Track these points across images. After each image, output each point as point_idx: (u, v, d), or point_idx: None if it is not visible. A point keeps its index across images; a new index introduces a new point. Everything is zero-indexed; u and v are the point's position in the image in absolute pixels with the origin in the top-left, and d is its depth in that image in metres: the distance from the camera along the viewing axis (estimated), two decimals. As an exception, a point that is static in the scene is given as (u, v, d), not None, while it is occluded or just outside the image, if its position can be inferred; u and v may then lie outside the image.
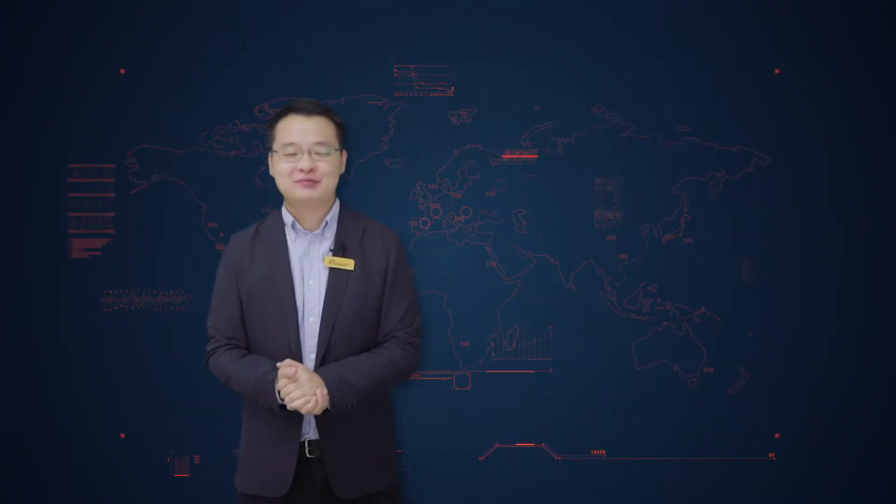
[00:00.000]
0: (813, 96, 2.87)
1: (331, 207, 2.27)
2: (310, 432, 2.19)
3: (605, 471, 2.87)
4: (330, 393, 2.11)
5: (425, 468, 2.84)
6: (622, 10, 2.87)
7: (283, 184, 2.21)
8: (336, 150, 2.23)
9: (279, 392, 2.12)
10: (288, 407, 2.10)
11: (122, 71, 2.87)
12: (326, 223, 2.25)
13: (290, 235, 2.25)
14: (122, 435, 2.87)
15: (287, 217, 2.25)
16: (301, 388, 2.09)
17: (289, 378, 2.09)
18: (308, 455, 2.19)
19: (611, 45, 2.87)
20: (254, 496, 2.22)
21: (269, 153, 2.26)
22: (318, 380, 2.11)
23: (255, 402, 2.18)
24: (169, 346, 2.86)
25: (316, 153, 2.19)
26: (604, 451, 2.87)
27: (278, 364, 2.11)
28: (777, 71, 2.87)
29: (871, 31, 2.86)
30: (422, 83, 2.86)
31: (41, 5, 2.86)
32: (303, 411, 2.10)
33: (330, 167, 2.21)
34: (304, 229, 2.24)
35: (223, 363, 2.22)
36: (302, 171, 2.17)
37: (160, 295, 2.86)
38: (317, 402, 2.09)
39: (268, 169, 2.29)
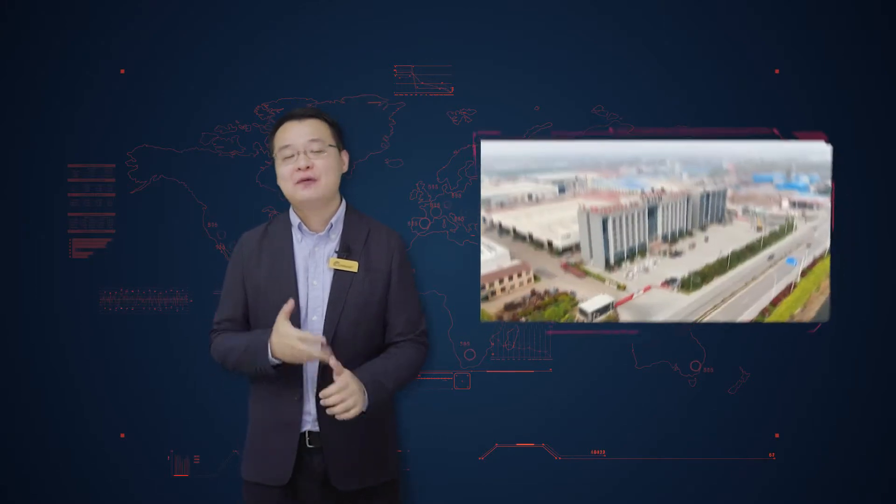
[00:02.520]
0: (813, 96, 2.87)
1: (336, 209, 2.31)
2: (310, 424, 2.22)
3: (605, 471, 2.87)
4: (370, 398, 2.17)
5: (425, 468, 2.85)
6: (622, 9, 2.87)
7: (286, 188, 2.27)
8: (332, 146, 2.28)
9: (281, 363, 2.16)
10: (327, 412, 2.12)
11: (122, 71, 2.87)
12: (332, 225, 2.29)
13: (296, 236, 2.30)
14: (122, 435, 2.87)
15: (294, 219, 2.31)
16: (353, 395, 2.12)
17: (286, 314, 2.11)
18: (308, 445, 2.21)
19: (611, 45, 2.87)
20: (257, 484, 2.27)
21: (274, 164, 2.31)
22: (359, 388, 2.14)
23: (249, 368, 2.20)
24: (169, 346, 2.86)
25: (311, 151, 2.24)
26: (604, 451, 2.87)
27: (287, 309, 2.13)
28: (777, 71, 2.87)
29: (870, 32, 2.86)
30: (422, 83, 2.86)
31: (41, 5, 2.86)
32: (339, 416, 2.13)
33: (326, 164, 2.25)
34: (310, 231, 2.29)
35: (220, 341, 2.29)
36: (299, 169, 2.22)
37: (160, 295, 2.87)
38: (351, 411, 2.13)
39: (268, 169, 2.32)
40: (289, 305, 2.13)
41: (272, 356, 2.15)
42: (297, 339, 2.09)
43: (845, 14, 2.86)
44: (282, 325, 2.12)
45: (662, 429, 2.87)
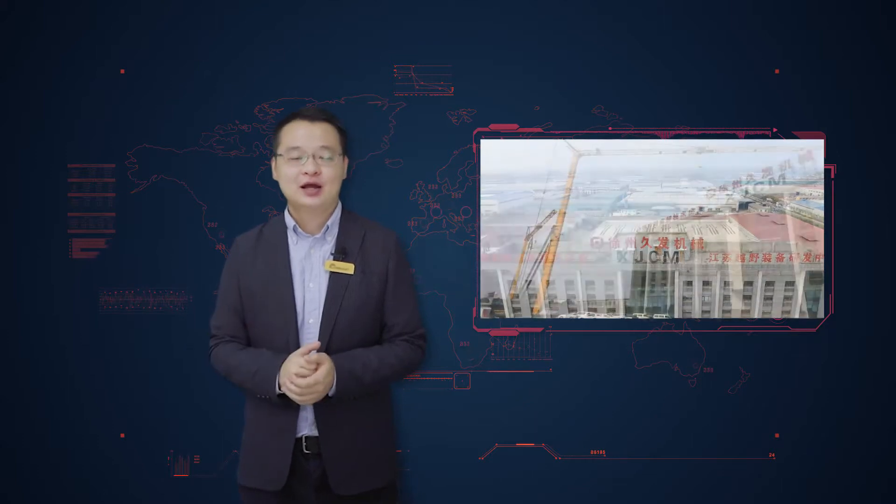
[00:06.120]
0: (812, 96, 2.87)
1: (332, 212, 2.29)
2: (307, 428, 2.21)
3: (605, 471, 2.87)
4: (338, 383, 2.15)
5: (425, 468, 2.85)
6: (622, 10, 2.87)
7: (287, 189, 2.24)
8: (339, 155, 2.26)
9: (279, 385, 2.15)
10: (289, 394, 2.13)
11: (122, 71, 2.87)
12: (328, 227, 2.27)
13: (291, 238, 2.28)
14: (122, 435, 2.87)
15: (289, 221, 2.28)
16: (313, 394, 2.13)
17: (304, 352, 2.13)
18: (305, 451, 2.20)
19: (611, 45, 2.87)
20: (253, 489, 2.25)
21: (273, 158, 2.28)
22: (329, 378, 2.14)
23: (254, 391, 2.21)
24: (169, 346, 2.86)
25: (320, 157, 2.22)
26: (604, 451, 2.87)
27: (302, 350, 2.14)
28: (777, 71, 2.87)
29: (870, 32, 2.86)
30: (422, 83, 2.86)
31: (41, 5, 2.86)
32: (299, 401, 2.14)
33: (333, 173, 2.24)
34: (306, 233, 2.27)
35: (224, 354, 2.26)
36: (306, 174, 2.20)
37: (160, 295, 2.87)
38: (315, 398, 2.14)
39: (268, 170, 2.30)
40: (309, 347, 2.15)
41: (279, 389, 2.16)
42: (293, 385, 2.11)
43: (845, 14, 2.86)
44: (291, 363, 2.13)
45: (662, 429, 2.87)
